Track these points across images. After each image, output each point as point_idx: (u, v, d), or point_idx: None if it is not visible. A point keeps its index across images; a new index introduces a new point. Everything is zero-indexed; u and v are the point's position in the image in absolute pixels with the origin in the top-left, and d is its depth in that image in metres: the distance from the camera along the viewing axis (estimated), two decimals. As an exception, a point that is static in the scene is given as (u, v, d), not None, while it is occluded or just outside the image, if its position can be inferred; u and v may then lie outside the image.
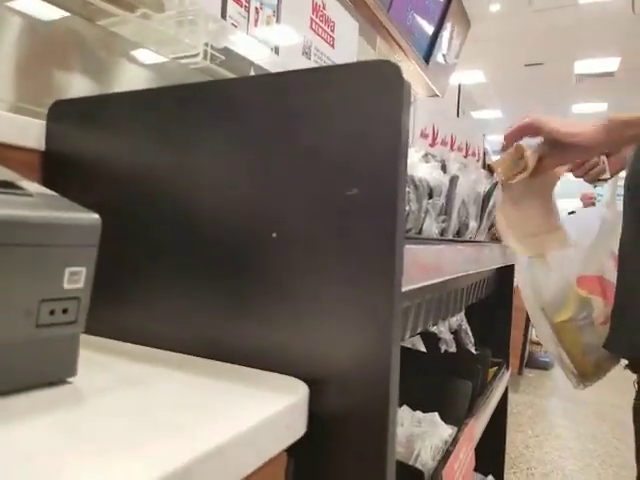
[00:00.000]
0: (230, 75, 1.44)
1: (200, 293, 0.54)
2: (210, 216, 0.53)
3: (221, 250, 0.52)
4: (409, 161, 0.47)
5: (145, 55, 1.32)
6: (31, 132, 0.67)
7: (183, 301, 0.55)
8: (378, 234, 0.44)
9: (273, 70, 1.60)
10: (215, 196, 0.53)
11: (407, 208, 0.47)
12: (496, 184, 0.89)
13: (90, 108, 0.65)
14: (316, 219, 0.47)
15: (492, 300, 0.99)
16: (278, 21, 1.32)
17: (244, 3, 1.19)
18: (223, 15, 1.14)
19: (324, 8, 1.61)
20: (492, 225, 0.93)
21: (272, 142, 0.50)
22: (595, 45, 5.49)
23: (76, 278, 0.40)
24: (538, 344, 3.72)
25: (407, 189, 0.47)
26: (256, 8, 1.24)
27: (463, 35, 4.49)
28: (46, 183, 0.68)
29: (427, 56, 3.66)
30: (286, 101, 0.49)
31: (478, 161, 0.93)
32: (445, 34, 3.91)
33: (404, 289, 0.46)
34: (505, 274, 1.04)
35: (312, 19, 1.55)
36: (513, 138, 0.80)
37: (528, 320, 3.02)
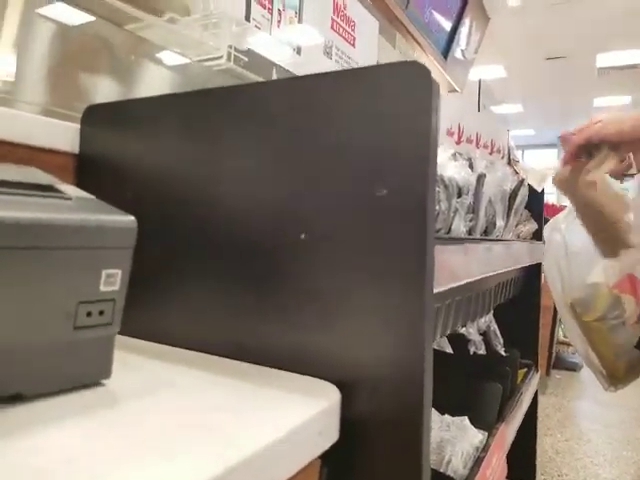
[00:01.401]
0: (252, 76, 1.45)
1: (230, 294, 0.55)
2: (239, 217, 0.54)
3: (251, 251, 0.53)
4: (438, 160, 0.46)
5: (170, 57, 1.34)
6: (65, 136, 0.69)
7: (213, 302, 0.56)
8: (409, 235, 0.44)
9: (294, 70, 1.61)
10: (244, 197, 0.53)
11: (437, 208, 0.47)
12: (522, 182, 0.87)
13: (122, 112, 0.66)
14: (345, 220, 0.47)
15: (520, 300, 0.97)
16: (300, 22, 1.32)
17: (267, 5, 1.20)
18: (247, 17, 1.15)
19: (345, 8, 1.61)
20: (518, 223, 0.92)
21: (300, 143, 0.50)
22: (618, 37, 5.35)
23: (112, 280, 0.41)
24: (566, 344, 3.64)
25: (437, 189, 0.46)
26: (279, 10, 1.25)
27: (482, 30, 4.43)
28: (80, 185, 0.69)
29: (445, 52, 3.63)
30: (315, 103, 0.49)
31: (503, 158, 0.92)
32: (463, 30, 3.86)
33: (435, 290, 0.45)
34: (532, 273, 1.02)
35: (333, 19, 1.55)
36: (581, 146, 0.75)
37: (555, 320, 2.96)
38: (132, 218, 0.42)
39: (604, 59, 6.02)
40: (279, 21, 1.25)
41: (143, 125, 0.63)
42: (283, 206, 0.51)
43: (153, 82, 1.33)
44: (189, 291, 0.58)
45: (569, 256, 0.98)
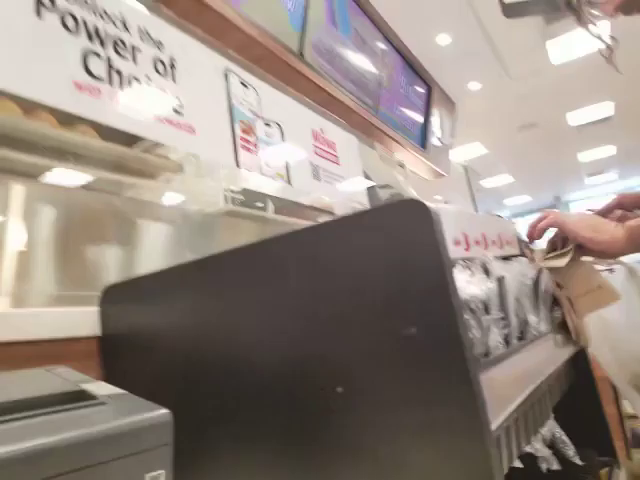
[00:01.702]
0: (249, 211, 1.51)
1: (270, 462, 0.51)
2: (268, 377, 0.52)
3: (286, 413, 0.50)
4: (457, 285, 0.45)
5: (171, 212, 1.41)
6: (86, 321, 0.69)
7: (252, 473, 0.52)
8: (449, 373, 0.42)
9: (288, 197, 1.68)
10: (270, 356, 0.52)
11: (471, 336, 0.46)
12: (541, 269, 0.86)
13: (139, 287, 0.67)
14: (380, 367, 0.45)
15: (573, 390, 0.91)
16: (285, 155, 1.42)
17: (253, 149, 1.29)
18: (237, 164, 1.23)
19: (323, 133, 1.72)
20: (551, 310, 0.89)
21: (317, 292, 0.50)
22: (583, 95, 5.67)
23: None
24: (635, 417, 3.32)
25: (466, 316, 0.45)
26: (264, 150, 1.34)
27: (451, 116, 4.72)
28: (105, 366, 0.69)
29: (423, 142, 3.86)
30: (322, 251, 0.50)
31: (514, 248, 0.91)
32: (434, 119, 4.13)
33: (494, 424, 0.42)
34: (580, 356, 0.97)
35: (315, 146, 1.65)
36: (540, 232, 0.87)
37: (617, 391, 2.73)
38: (166, 411, 0.41)
39: (575, 117, 6.31)
40: (266, 161, 1.34)
41: (161, 297, 0.64)
42: (315, 361, 0.49)
43: (160, 239, 1.38)
44: (229, 465, 0.55)
45: (616, 330, 0.94)
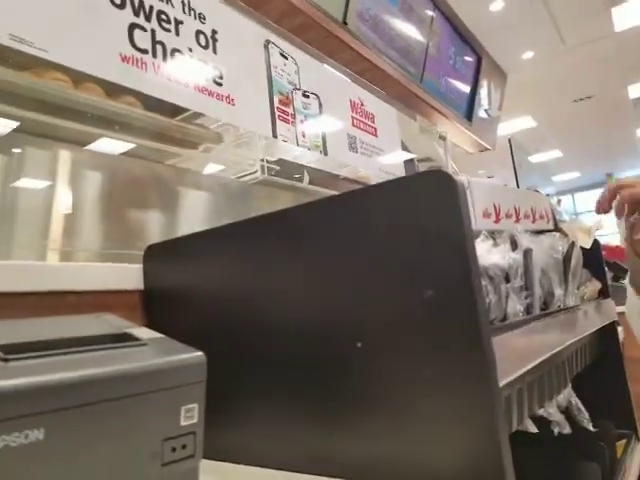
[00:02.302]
0: (285, 182, 1.54)
1: (293, 408, 0.56)
2: (295, 332, 0.56)
3: (310, 365, 0.54)
4: (478, 253, 0.47)
5: (210, 180, 1.46)
6: (130, 276, 0.75)
7: (277, 418, 0.57)
8: (462, 333, 0.44)
9: (324, 167, 1.69)
10: (297, 313, 0.56)
11: (487, 300, 0.47)
12: (573, 244, 0.85)
13: (179, 247, 0.72)
14: (398, 325, 0.48)
15: (600, 365, 0.91)
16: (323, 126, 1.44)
17: (290, 119, 1.31)
18: (274, 135, 1.25)
19: (362, 104, 1.72)
20: (579, 285, 0.89)
21: (343, 257, 0.53)
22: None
23: (190, 414, 0.44)
24: None
25: (483, 282, 0.47)
26: (301, 121, 1.36)
27: (501, 87, 4.55)
28: (148, 319, 0.75)
29: (469, 114, 3.74)
30: (351, 219, 0.53)
31: (548, 222, 0.90)
32: (482, 90, 3.99)
33: (502, 382, 0.44)
34: (607, 332, 0.96)
35: (353, 117, 1.65)
36: (608, 203, 0.80)
37: None
38: (200, 353, 0.46)
39: (637, 90, 5.91)
40: (303, 132, 1.36)
41: (199, 257, 0.69)
42: (336, 317, 0.53)
43: (198, 205, 1.44)
44: (253, 408, 0.59)
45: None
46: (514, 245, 0.67)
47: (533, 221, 0.85)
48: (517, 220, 0.78)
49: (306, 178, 1.58)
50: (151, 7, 1.04)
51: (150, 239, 0.77)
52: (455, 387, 0.44)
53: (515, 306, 0.58)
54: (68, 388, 0.37)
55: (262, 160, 1.41)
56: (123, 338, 0.47)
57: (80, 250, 1.14)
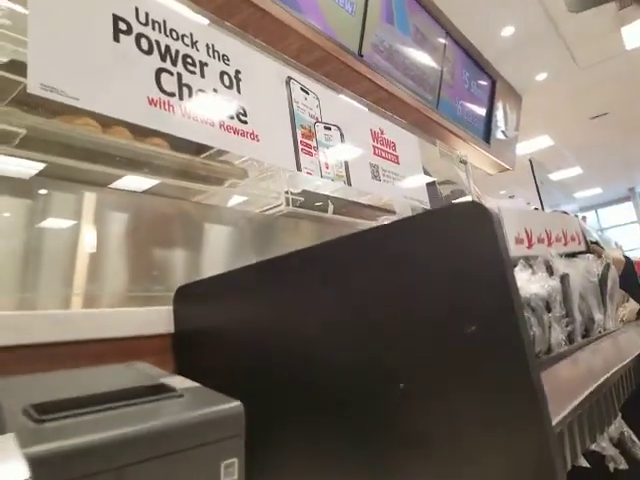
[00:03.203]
0: (309, 212, 1.56)
1: (334, 453, 0.54)
2: (332, 375, 0.55)
3: (351, 408, 0.52)
4: (518, 284, 0.46)
5: (234, 216, 1.48)
6: (160, 319, 0.75)
7: (316, 464, 0.55)
8: (510, 371, 0.42)
9: (348, 197, 1.70)
10: (334, 354, 0.55)
11: (531, 333, 0.46)
12: (608, 265, 0.84)
13: (209, 287, 0.72)
14: (441, 364, 0.47)
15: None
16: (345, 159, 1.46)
17: (313, 152, 1.33)
18: (298, 168, 1.28)
19: (382, 133, 1.74)
20: (617, 306, 0.86)
21: (379, 293, 0.52)
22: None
23: (230, 470, 0.42)
24: None
25: (526, 314, 0.46)
26: (324, 152, 1.38)
27: (517, 108, 4.55)
28: (179, 361, 0.74)
29: (486, 136, 3.76)
30: (384, 253, 0.52)
31: (580, 244, 0.89)
32: (498, 112, 4.00)
33: (555, 420, 0.43)
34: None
35: (374, 146, 1.67)
36: None
37: None
38: (238, 403, 0.44)
39: (653, 105, 5.85)
40: (326, 163, 1.38)
41: (230, 296, 0.68)
42: (377, 359, 0.51)
43: (224, 241, 1.45)
44: (294, 456, 0.58)
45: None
46: (550, 271, 0.66)
47: (565, 244, 0.84)
48: (549, 244, 0.77)
49: (330, 208, 1.59)
50: (177, 51, 1.08)
51: (176, 278, 0.78)
52: (505, 428, 0.42)
53: (558, 336, 0.57)
54: (105, 450, 0.35)
55: (286, 192, 1.44)
56: (158, 390, 0.46)
57: (105, 294, 1.16)
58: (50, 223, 1.22)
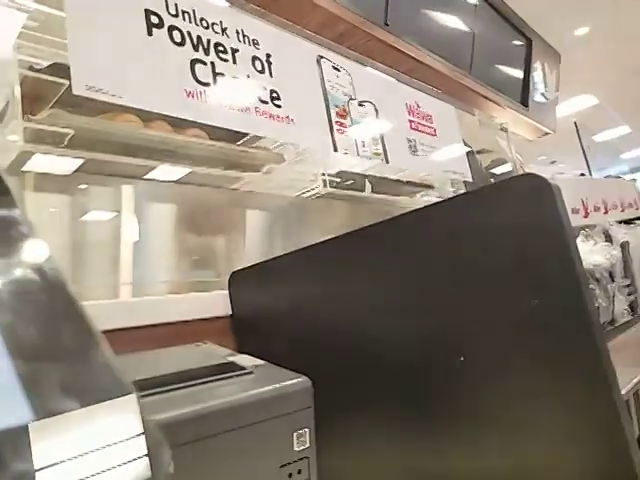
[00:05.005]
0: (347, 193, 1.55)
1: (397, 427, 0.55)
2: (393, 350, 0.55)
3: (412, 379, 0.53)
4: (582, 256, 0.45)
5: (275, 200, 1.49)
6: (219, 303, 0.78)
7: (379, 438, 0.56)
8: (576, 343, 0.42)
9: (386, 175, 1.68)
10: (399, 329, 0.55)
11: (596, 305, 0.45)
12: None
13: (262, 271, 0.74)
14: (503, 336, 0.47)
15: None
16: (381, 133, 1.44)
17: (349, 131, 1.32)
18: (335, 148, 1.26)
19: (418, 106, 1.70)
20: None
21: (440, 268, 0.52)
22: None
23: (303, 439, 0.45)
24: None
25: (590, 285, 0.44)
26: (359, 131, 1.36)
27: (556, 67, 4.34)
28: (238, 342, 0.77)
29: (525, 100, 3.62)
30: (446, 229, 0.51)
31: (637, 209, 0.85)
32: (536, 74, 3.84)
33: (624, 390, 0.42)
34: None
35: (410, 120, 1.63)
36: None
37: None
38: (306, 378, 0.46)
39: None
40: (363, 141, 1.36)
41: (283, 279, 0.70)
42: (437, 332, 0.52)
43: (264, 225, 1.47)
44: (354, 425, 0.59)
45: None
46: (609, 239, 0.63)
47: (622, 210, 0.80)
48: (606, 212, 0.74)
49: (368, 187, 1.57)
50: (208, 41, 1.08)
51: (221, 264, 0.80)
52: (572, 401, 0.42)
53: (621, 306, 0.55)
54: (191, 422, 0.39)
55: (323, 174, 1.43)
56: (230, 368, 0.49)
57: (152, 282, 1.20)
58: (93, 216, 1.26)
